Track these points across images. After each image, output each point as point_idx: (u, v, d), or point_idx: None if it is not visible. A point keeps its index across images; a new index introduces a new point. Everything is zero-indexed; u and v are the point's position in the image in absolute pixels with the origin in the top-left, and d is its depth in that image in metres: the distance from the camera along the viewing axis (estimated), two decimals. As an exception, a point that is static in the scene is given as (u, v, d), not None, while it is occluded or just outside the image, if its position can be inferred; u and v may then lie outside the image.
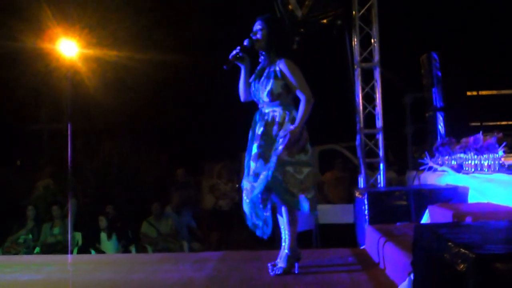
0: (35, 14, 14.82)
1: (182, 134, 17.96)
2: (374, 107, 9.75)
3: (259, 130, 5.47)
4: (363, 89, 9.78)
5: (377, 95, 9.72)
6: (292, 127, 5.27)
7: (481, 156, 7.03)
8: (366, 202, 7.17)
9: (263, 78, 5.53)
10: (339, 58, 10.35)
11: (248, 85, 5.70)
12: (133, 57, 15.59)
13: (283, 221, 5.52)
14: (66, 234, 10.20)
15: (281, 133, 5.31)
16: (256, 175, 5.34)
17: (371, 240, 6.29)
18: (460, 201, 6.99)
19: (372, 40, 9.73)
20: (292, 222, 5.49)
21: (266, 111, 5.51)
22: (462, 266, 2.39)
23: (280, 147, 5.25)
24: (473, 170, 7.20)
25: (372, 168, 10.05)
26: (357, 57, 9.78)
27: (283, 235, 5.54)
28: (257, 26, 5.56)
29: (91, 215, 11.57)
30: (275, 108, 5.44)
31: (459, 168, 7.64)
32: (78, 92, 15.59)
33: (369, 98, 9.78)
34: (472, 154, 7.26)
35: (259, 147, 5.38)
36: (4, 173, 15.54)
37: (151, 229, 10.80)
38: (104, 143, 14.66)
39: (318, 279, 5.09)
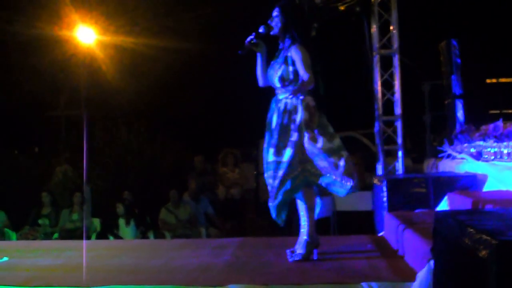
0: (53, 1, 14.86)
1: (199, 121, 17.97)
2: (392, 94, 9.71)
3: (274, 120, 5.51)
4: (381, 76, 9.74)
5: (396, 82, 9.68)
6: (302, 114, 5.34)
7: (501, 144, 6.99)
8: (385, 189, 7.16)
9: (276, 63, 5.57)
10: (358, 45, 10.32)
11: (265, 70, 5.71)
12: (150, 44, 15.60)
13: (301, 207, 5.52)
14: (85, 220, 10.25)
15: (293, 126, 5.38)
16: (277, 164, 5.36)
17: (390, 227, 6.28)
18: (479, 188, 6.97)
19: (391, 27, 9.69)
20: (310, 208, 5.50)
21: (280, 97, 5.53)
22: (484, 252, 2.38)
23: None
24: (492, 157, 7.16)
25: (390, 155, 10.03)
26: (375, 44, 9.74)
27: (301, 221, 5.54)
28: (274, 12, 5.59)
29: (109, 201, 11.61)
30: (287, 95, 5.46)
31: (478, 156, 7.60)
32: (95, 79, 15.64)
33: (387, 85, 9.74)
34: (491, 141, 7.22)
35: (277, 139, 5.42)
36: (23, 160, 15.64)
37: (170, 215, 10.84)
38: (121, 129, 14.68)
39: (336, 266, 5.09)
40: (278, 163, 5.35)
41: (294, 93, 5.40)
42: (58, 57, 15.41)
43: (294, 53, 5.41)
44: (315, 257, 5.45)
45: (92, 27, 14.20)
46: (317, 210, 5.65)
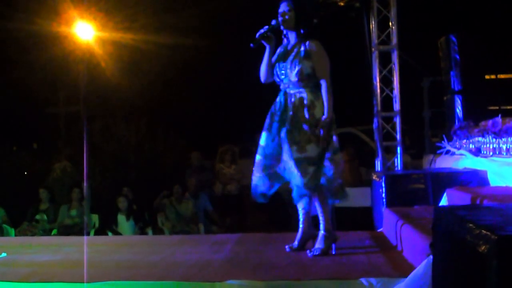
0: (52, -3, 14.85)
1: (199, 118, 17.98)
2: (391, 90, 9.72)
3: (286, 112, 5.48)
4: (380, 72, 9.74)
5: (395, 78, 9.69)
6: (324, 117, 5.31)
7: (500, 140, 7.00)
8: (383, 185, 7.17)
9: (291, 57, 5.51)
10: (357, 41, 10.32)
11: (270, 65, 5.68)
12: (149, 40, 15.60)
13: (316, 203, 5.57)
14: (84, 216, 10.25)
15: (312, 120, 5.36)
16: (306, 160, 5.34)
17: (389, 222, 6.29)
18: (478, 184, 6.97)
19: (390, 23, 9.69)
20: (323, 203, 5.53)
21: (292, 91, 5.49)
22: (484, 247, 2.38)
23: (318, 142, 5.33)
24: (491, 153, 7.17)
25: (388, 152, 10.03)
26: (374, 39, 9.75)
27: (319, 217, 5.59)
28: (284, 7, 5.54)
29: (108, 197, 11.61)
30: (301, 90, 5.44)
31: (477, 152, 7.61)
32: (94, 75, 15.63)
33: (386, 81, 9.75)
34: (490, 137, 7.23)
35: (287, 131, 5.39)
36: (22, 156, 15.64)
37: (172, 210, 10.84)
38: (120, 126, 14.69)
39: (336, 261, 5.10)
40: (307, 158, 5.33)
41: (311, 89, 5.41)
42: (56, 53, 15.39)
43: (315, 49, 5.42)
44: (333, 251, 5.47)
45: (91, 23, 14.16)
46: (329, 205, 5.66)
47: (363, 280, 4.28)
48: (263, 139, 5.58)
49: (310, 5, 5.74)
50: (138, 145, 14.36)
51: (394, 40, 9.66)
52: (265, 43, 5.62)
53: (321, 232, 5.52)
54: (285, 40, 5.68)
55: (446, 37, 10.19)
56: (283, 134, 5.42)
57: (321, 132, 5.27)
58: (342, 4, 9.82)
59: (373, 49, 9.79)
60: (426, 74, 14.06)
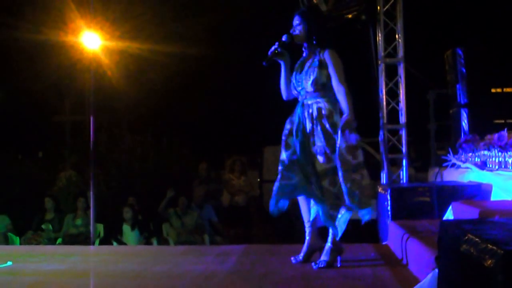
0: (58, 6, 14.91)
1: (205, 128, 17.99)
2: (397, 103, 9.71)
3: (305, 124, 5.49)
4: (386, 85, 9.74)
5: (401, 91, 9.68)
6: (345, 115, 5.29)
7: (506, 153, 6.99)
8: (389, 198, 7.15)
9: (306, 68, 5.54)
10: (363, 53, 10.32)
11: (289, 81, 5.70)
12: (156, 49, 15.65)
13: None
14: (89, 225, 10.24)
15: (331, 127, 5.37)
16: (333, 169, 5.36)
17: (394, 236, 6.28)
18: (483, 198, 6.96)
19: (397, 36, 9.69)
20: (343, 214, 5.60)
21: (309, 102, 5.50)
22: (489, 262, 2.38)
23: (343, 144, 5.29)
24: (497, 167, 7.16)
25: (394, 164, 10.02)
26: (381, 52, 9.75)
27: (329, 229, 5.60)
28: (296, 21, 5.60)
29: (113, 207, 11.61)
30: (318, 100, 5.45)
31: (482, 165, 7.60)
32: (101, 84, 15.66)
33: (392, 94, 9.74)
34: (496, 151, 7.22)
35: (308, 143, 5.43)
36: (27, 164, 15.65)
37: (177, 220, 10.84)
38: (126, 135, 14.71)
39: (341, 273, 5.10)
40: (333, 169, 5.35)
41: (329, 99, 5.44)
42: (63, 62, 15.44)
43: (330, 58, 5.44)
44: (338, 264, 5.47)
45: (97, 33, 14.21)
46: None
47: (368, 293, 4.28)
48: (282, 153, 5.57)
49: (322, 15, 5.77)
50: (143, 155, 14.36)
51: (401, 53, 9.66)
52: (278, 60, 5.64)
53: (328, 244, 5.53)
54: (304, 53, 5.70)
55: (452, 50, 10.20)
56: (303, 146, 5.44)
57: (347, 133, 5.25)
58: (348, 16, 9.83)
59: (379, 61, 9.79)
60: (432, 87, 14.05)
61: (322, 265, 5.37)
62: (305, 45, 5.65)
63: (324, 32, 5.63)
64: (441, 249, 3.31)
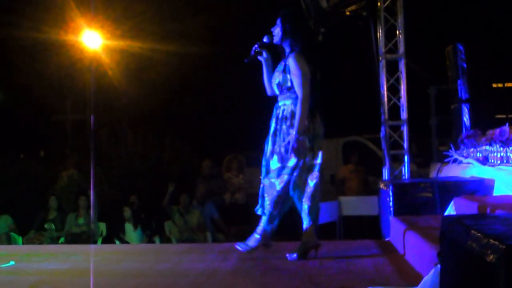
0: (59, 5, 14.90)
1: (206, 126, 18.00)
2: (398, 99, 9.69)
3: (273, 126, 5.70)
4: (387, 81, 9.72)
5: (402, 87, 9.66)
6: (293, 132, 5.47)
7: (507, 148, 6.98)
8: (391, 194, 7.14)
9: (276, 71, 5.75)
10: (364, 49, 10.31)
11: (269, 79, 5.90)
12: (156, 48, 15.64)
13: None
14: (91, 224, 10.25)
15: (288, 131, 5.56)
16: (283, 169, 5.57)
17: (396, 231, 6.28)
18: (485, 193, 6.94)
19: (397, 32, 9.67)
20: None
21: (280, 104, 5.72)
22: (491, 257, 2.38)
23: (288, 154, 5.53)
24: (498, 162, 7.15)
25: (396, 160, 10.01)
26: (382, 48, 9.72)
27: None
28: (276, 23, 5.75)
29: (115, 205, 11.61)
30: (286, 102, 5.64)
31: (484, 161, 7.58)
32: (102, 83, 15.66)
33: (394, 90, 9.72)
34: (497, 146, 7.21)
35: (273, 143, 5.63)
36: (29, 164, 15.65)
37: (179, 218, 10.84)
38: (128, 134, 14.71)
39: (343, 270, 5.10)
40: (283, 168, 5.50)
41: (294, 101, 5.58)
42: (64, 61, 15.44)
43: (291, 63, 5.57)
44: (312, 254, 5.64)
45: (98, 32, 14.23)
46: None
47: (370, 289, 4.28)
48: (265, 151, 5.80)
49: (305, 19, 5.91)
50: (145, 153, 14.37)
51: (401, 48, 9.64)
52: (259, 58, 5.85)
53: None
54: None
55: (453, 46, 10.17)
56: (270, 145, 5.65)
57: (291, 144, 5.45)
58: (349, 13, 9.81)
59: (380, 57, 9.77)
60: (433, 82, 14.04)
61: (294, 257, 5.63)
62: (282, 46, 5.78)
63: (298, 37, 5.69)
64: (443, 244, 3.31)
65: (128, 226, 10.61)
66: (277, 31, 5.73)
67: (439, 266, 3.50)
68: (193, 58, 15.85)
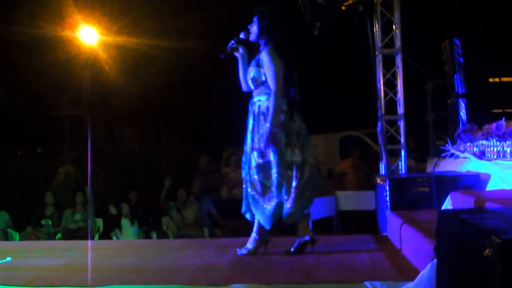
0: (56, 1, 14.88)
1: (203, 121, 17.99)
2: (395, 94, 9.69)
3: (251, 123, 5.73)
4: (384, 75, 9.72)
5: (399, 82, 9.66)
6: (269, 116, 5.48)
7: (504, 143, 6.98)
8: (387, 189, 7.15)
9: (250, 65, 5.81)
10: (361, 44, 10.31)
11: (244, 75, 5.95)
12: (153, 44, 15.63)
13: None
14: (88, 220, 10.25)
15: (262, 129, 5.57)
16: (266, 164, 5.61)
17: (393, 226, 6.29)
18: (482, 188, 6.95)
19: (394, 26, 9.66)
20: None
21: (255, 100, 5.75)
22: (488, 251, 2.38)
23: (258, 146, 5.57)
24: (495, 156, 7.16)
25: (393, 155, 10.01)
26: (378, 43, 9.72)
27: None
28: (254, 19, 5.81)
29: (112, 201, 11.61)
30: (261, 98, 5.66)
31: (481, 155, 7.59)
32: (98, 79, 15.65)
33: (390, 85, 9.72)
34: (494, 140, 7.21)
35: (252, 140, 5.65)
36: (26, 160, 15.66)
37: (177, 214, 10.83)
38: (125, 130, 14.70)
39: (340, 264, 5.11)
40: (266, 163, 5.56)
41: (269, 97, 5.57)
42: (61, 57, 15.42)
43: (264, 57, 5.59)
44: (309, 249, 5.68)
45: (95, 28, 14.22)
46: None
47: (367, 283, 4.28)
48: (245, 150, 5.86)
49: (282, 17, 5.94)
50: (142, 149, 14.36)
51: (398, 43, 9.64)
52: (235, 54, 5.93)
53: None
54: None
55: (450, 40, 10.16)
56: (250, 142, 5.70)
57: (264, 136, 5.46)
58: (344, 7, 9.79)
59: (376, 52, 9.77)
60: (430, 77, 14.03)
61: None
62: (258, 43, 5.81)
63: (274, 35, 5.72)
64: (439, 239, 3.31)
65: (125, 222, 10.61)
66: (254, 29, 5.77)
67: (435, 260, 3.50)
68: (191, 54, 15.83)
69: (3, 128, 16.68)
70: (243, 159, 5.85)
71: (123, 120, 15.07)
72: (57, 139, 17.93)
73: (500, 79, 10.46)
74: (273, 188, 5.54)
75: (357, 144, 14.19)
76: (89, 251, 6.31)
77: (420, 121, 14.28)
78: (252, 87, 5.75)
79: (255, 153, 5.60)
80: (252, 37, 5.79)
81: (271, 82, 5.50)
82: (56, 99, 19.06)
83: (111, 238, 10.41)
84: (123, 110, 16.58)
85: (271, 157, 5.51)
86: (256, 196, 5.65)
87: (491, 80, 10.42)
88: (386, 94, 9.71)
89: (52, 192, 11.69)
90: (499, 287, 2.26)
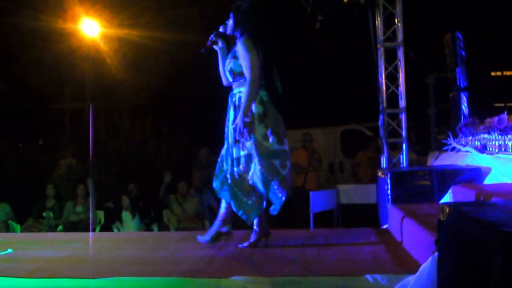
0: (58, -6, 14.88)
1: (203, 114, 17.98)
2: (397, 87, 9.70)
3: (231, 115, 5.74)
4: (386, 69, 9.72)
5: (400, 75, 9.67)
6: (242, 106, 5.50)
7: (505, 137, 6.98)
8: (389, 182, 7.15)
9: (227, 58, 5.84)
10: (362, 38, 10.30)
11: (223, 69, 5.98)
12: (154, 37, 15.63)
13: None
14: (89, 212, 10.25)
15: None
16: (249, 157, 5.62)
17: (394, 219, 6.28)
18: (483, 181, 6.95)
19: (396, 20, 9.66)
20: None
21: (235, 91, 5.77)
22: (489, 244, 2.38)
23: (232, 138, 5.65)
24: (497, 150, 7.15)
25: (394, 148, 10.02)
26: (380, 36, 9.73)
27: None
28: (230, 14, 5.87)
29: (114, 194, 11.62)
30: (241, 89, 5.67)
31: (482, 149, 7.58)
32: (100, 71, 15.65)
33: (392, 78, 9.73)
34: (496, 134, 7.21)
35: (234, 132, 5.61)
36: (27, 152, 15.66)
37: (177, 206, 10.84)
38: (126, 122, 14.70)
39: (341, 258, 5.10)
40: (249, 156, 5.59)
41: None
42: (62, 49, 15.43)
43: (239, 47, 5.62)
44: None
45: (96, 20, 14.22)
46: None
47: (368, 276, 4.28)
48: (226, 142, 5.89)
49: (258, 11, 5.97)
50: (143, 142, 14.37)
51: (400, 37, 9.64)
52: (215, 48, 5.97)
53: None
54: None
55: (452, 34, 10.15)
56: (231, 134, 5.69)
57: (238, 125, 5.48)
58: (346, 0, 9.78)
59: (378, 45, 9.77)
60: (431, 70, 14.03)
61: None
62: (235, 36, 5.83)
63: (247, 27, 5.74)
64: (441, 232, 3.31)
65: (126, 215, 10.62)
66: (230, 22, 5.82)
67: (436, 253, 3.50)
68: (191, 47, 15.82)
69: (5, 120, 16.69)
70: (222, 152, 5.89)
71: (124, 112, 15.05)
72: (58, 131, 17.94)
73: (502, 73, 10.48)
74: (257, 180, 5.54)
75: (357, 137, 14.18)
76: (91, 243, 6.32)
77: (422, 115, 14.28)
78: (230, 79, 5.78)
79: (236, 146, 5.63)
80: (229, 30, 5.83)
81: (246, 72, 5.52)
82: (57, 92, 19.08)
83: (112, 231, 10.42)
84: (124, 103, 16.57)
85: (251, 149, 5.52)
86: (235, 189, 5.68)
87: (493, 74, 10.44)
88: (387, 87, 9.72)
89: (53, 184, 11.70)
90: (500, 280, 2.26)
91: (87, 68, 15.52)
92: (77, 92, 18.41)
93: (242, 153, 5.59)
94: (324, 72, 17.21)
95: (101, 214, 11.07)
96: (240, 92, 5.65)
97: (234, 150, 5.65)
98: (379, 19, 9.72)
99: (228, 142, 5.79)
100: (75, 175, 12.65)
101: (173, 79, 17.42)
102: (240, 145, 5.58)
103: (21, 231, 10.73)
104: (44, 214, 11.01)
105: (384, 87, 9.68)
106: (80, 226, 10.57)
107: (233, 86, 5.79)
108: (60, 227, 10.85)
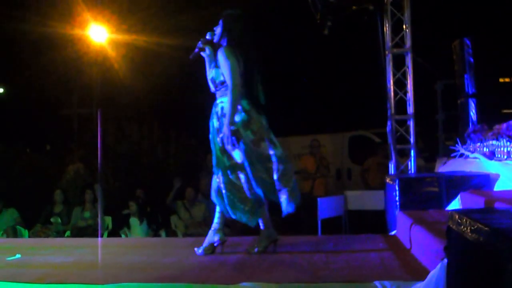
0: (66, 0, 14.91)
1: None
2: (405, 93, 9.68)
3: (216, 125, 5.75)
4: (394, 75, 9.71)
5: (409, 81, 9.65)
6: (227, 114, 5.49)
7: (514, 143, 6.96)
8: (397, 188, 7.13)
9: (209, 67, 5.92)
10: (371, 44, 10.29)
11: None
12: (162, 42, 15.63)
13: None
14: (97, 218, 10.26)
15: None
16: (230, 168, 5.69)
17: (403, 226, 6.27)
18: (492, 188, 6.93)
19: (404, 26, 9.65)
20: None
21: (218, 101, 5.79)
22: (498, 251, 2.38)
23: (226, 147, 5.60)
24: (505, 157, 7.13)
25: (402, 155, 10.00)
26: (388, 42, 9.71)
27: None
28: (219, 22, 5.93)
29: (121, 199, 11.63)
30: (223, 99, 5.68)
31: (491, 155, 7.56)
32: (108, 77, 15.68)
33: (400, 84, 9.71)
34: (504, 141, 7.19)
35: (222, 141, 5.62)
36: (35, 158, 15.69)
37: (185, 212, 10.84)
38: (134, 128, 14.73)
39: (350, 264, 5.09)
40: (241, 163, 5.62)
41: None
42: (70, 55, 15.46)
43: (219, 56, 5.65)
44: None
45: (104, 26, 14.25)
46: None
47: (376, 283, 4.27)
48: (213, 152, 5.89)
49: (245, 21, 6.00)
50: (151, 147, 14.39)
51: (408, 43, 9.63)
52: (202, 55, 6.02)
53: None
54: None
55: (460, 40, 10.14)
56: (218, 143, 5.70)
57: (225, 135, 5.50)
58: (355, 7, 9.79)
59: (386, 52, 9.76)
60: (439, 77, 14.02)
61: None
62: (220, 44, 5.86)
63: (234, 36, 5.78)
64: (450, 238, 3.31)
65: (134, 220, 10.62)
66: (218, 30, 5.86)
67: (445, 260, 3.49)
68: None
69: (13, 125, 16.74)
70: (214, 161, 5.83)
71: (131, 118, 15.08)
72: (66, 137, 17.97)
73: (511, 79, 10.45)
74: (253, 185, 5.60)
75: (365, 144, 14.16)
76: (99, 249, 6.33)
77: (430, 121, 14.26)
78: (212, 88, 5.81)
79: (227, 154, 5.64)
80: (216, 38, 5.87)
81: (228, 79, 5.53)
82: (65, 98, 19.12)
83: (120, 236, 10.42)
84: (132, 108, 16.60)
85: (242, 157, 5.54)
86: (232, 197, 5.70)
87: (501, 80, 10.42)
88: (396, 93, 9.70)
89: (61, 189, 11.72)
90: (510, 286, 2.25)
91: (95, 74, 15.55)
92: (85, 97, 18.46)
93: (233, 161, 5.62)
94: (332, 78, 17.23)
95: (109, 220, 11.07)
96: (222, 102, 5.67)
97: (225, 159, 5.66)
98: (387, 25, 9.72)
99: (214, 152, 5.80)
100: (83, 181, 12.68)
101: (181, 84, 17.44)
102: (231, 153, 5.60)
103: (29, 237, 10.74)
104: (52, 219, 11.03)
105: (392, 93, 9.67)
106: (88, 231, 10.58)
107: (216, 96, 5.81)
108: (68, 233, 10.87)
